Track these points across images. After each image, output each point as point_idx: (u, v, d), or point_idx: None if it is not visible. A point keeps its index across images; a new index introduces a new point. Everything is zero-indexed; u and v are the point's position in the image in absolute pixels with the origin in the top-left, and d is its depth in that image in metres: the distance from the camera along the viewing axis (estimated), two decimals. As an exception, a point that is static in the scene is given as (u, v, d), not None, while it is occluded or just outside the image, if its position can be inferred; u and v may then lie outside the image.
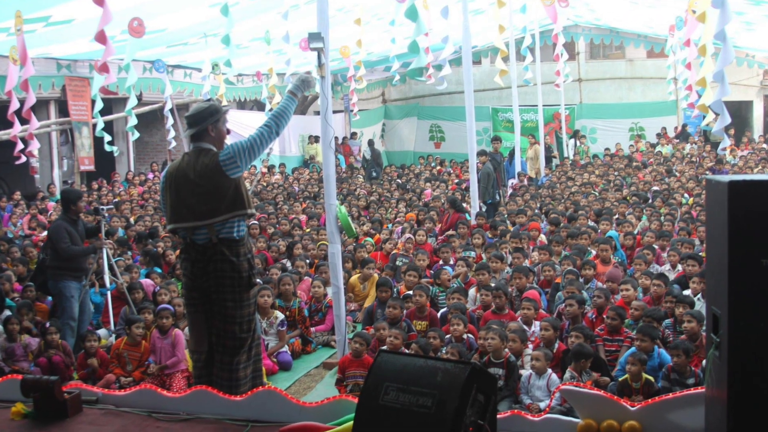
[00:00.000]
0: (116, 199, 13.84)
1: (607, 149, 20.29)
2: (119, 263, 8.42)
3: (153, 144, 19.37)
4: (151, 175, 16.91)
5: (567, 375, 5.59)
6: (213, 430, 3.80)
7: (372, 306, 7.84)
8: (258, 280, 5.24)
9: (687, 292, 7.02)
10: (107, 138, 12.95)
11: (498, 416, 3.36)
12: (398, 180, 17.74)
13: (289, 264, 9.45)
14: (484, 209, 12.08)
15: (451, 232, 10.60)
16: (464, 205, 12.08)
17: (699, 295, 6.82)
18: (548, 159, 18.82)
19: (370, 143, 21.85)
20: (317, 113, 18.37)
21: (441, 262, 9.23)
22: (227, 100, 15.59)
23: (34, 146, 11.04)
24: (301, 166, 19.95)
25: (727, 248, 2.79)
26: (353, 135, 22.20)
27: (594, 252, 8.85)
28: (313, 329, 7.87)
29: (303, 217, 12.31)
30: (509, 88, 16.54)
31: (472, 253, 9.36)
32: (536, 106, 18.36)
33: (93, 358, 6.67)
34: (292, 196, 14.83)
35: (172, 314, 6.80)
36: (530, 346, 6.22)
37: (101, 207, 8.95)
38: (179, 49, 13.81)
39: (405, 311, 7.12)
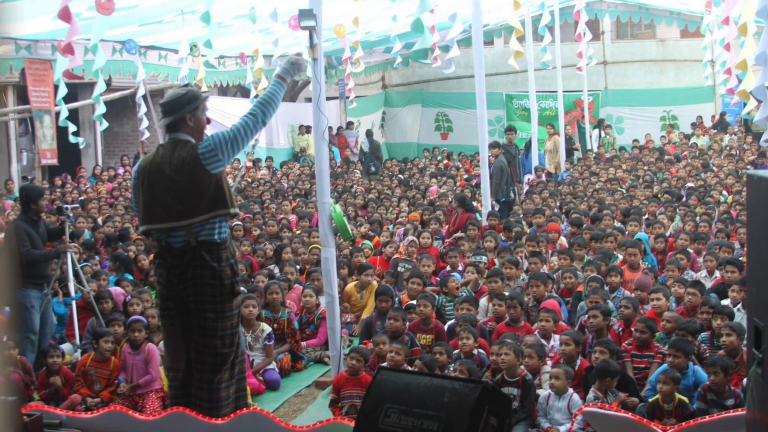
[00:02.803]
0: (82, 197, 13.84)
1: (635, 141, 20.31)
2: (85, 269, 8.42)
3: (123, 135, 19.38)
4: (121, 170, 16.92)
5: (590, 395, 5.60)
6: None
7: (370, 317, 7.84)
8: (242, 288, 5.25)
9: (726, 302, 7.03)
10: (72, 128, 12.96)
11: (512, 442, 3.37)
12: (400, 175, 17.76)
13: (277, 270, 9.46)
14: (496, 208, 12.09)
15: (459, 234, 10.60)
16: (474, 203, 12.08)
17: (739, 306, 6.82)
18: (569, 152, 18.83)
19: (369, 134, 21.87)
20: (309, 100, 18.38)
21: (448, 267, 9.24)
22: (207, 86, 15.62)
23: (-10, 137, 11.07)
24: (291, 159, 19.96)
25: (771, 252, 2.80)
26: (349, 125, 22.21)
27: (621, 257, 8.86)
28: (304, 344, 7.87)
29: (293, 218, 12.32)
30: (525, 72, 16.54)
31: (484, 258, 9.36)
32: (556, 92, 18.37)
33: (56, 376, 6.66)
34: (281, 194, 14.84)
35: (145, 327, 6.80)
36: (549, 362, 6.22)
37: (65, 206, 8.92)
38: (153, 27, 13.81)
39: (408, 323, 7.12)
